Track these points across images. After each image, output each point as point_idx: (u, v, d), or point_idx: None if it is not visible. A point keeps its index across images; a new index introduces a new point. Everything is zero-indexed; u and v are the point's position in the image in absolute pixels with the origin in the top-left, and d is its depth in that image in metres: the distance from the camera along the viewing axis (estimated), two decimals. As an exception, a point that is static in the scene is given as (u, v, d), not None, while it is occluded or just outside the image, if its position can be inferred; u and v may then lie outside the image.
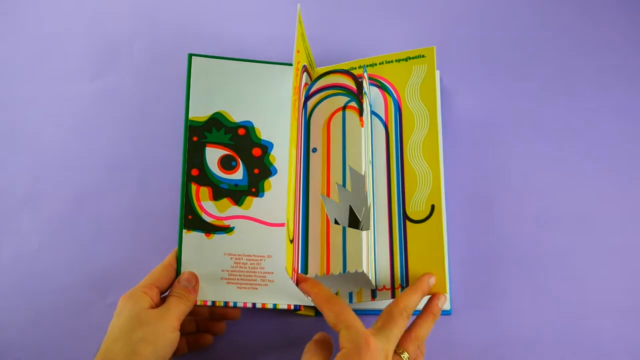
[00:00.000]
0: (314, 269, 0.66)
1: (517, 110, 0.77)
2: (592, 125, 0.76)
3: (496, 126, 0.77)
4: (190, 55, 0.72)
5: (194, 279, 0.65)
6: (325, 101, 0.71)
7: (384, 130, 0.70)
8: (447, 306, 0.69)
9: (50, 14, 0.87)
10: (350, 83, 0.71)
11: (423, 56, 0.71)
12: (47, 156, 0.80)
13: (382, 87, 0.72)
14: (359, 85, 0.70)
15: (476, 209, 0.73)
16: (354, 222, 0.66)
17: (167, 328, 0.59)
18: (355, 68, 0.74)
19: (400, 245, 0.66)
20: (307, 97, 0.72)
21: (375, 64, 0.73)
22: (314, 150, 0.70)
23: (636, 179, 0.73)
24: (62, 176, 0.79)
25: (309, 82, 0.72)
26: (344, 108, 0.70)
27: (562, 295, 0.70)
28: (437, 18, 0.82)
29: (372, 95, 0.72)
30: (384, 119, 0.71)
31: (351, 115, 0.70)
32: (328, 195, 0.68)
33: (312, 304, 0.68)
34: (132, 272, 0.74)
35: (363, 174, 0.67)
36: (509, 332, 0.69)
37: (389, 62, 0.73)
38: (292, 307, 0.69)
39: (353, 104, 0.70)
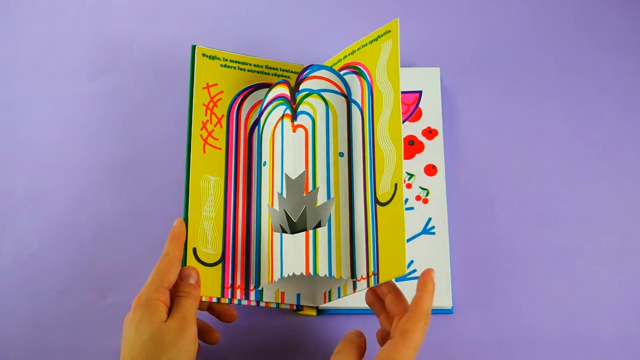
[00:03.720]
0: (264, 279, 0.67)
1: (518, 110, 0.77)
2: (592, 125, 0.76)
3: (497, 126, 0.77)
4: (194, 47, 0.72)
5: (196, 274, 0.65)
6: (271, 114, 0.72)
7: (360, 116, 0.70)
8: (448, 304, 0.69)
9: (50, 14, 0.87)
10: (286, 91, 0.71)
11: (389, 31, 0.69)
12: (47, 156, 0.80)
13: (358, 72, 0.71)
14: (292, 91, 0.71)
15: (477, 209, 0.73)
16: (292, 226, 0.67)
17: (189, 342, 0.59)
18: (341, 59, 0.73)
19: (373, 232, 0.65)
20: (261, 112, 0.73)
21: (355, 51, 0.72)
22: (264, 164, 0.71)
23: (636, 179, 0.74)
24: (62, 176, 0.79)
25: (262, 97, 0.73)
26: (282, 117, 0.71)
27: (562, 295, 0.70)
28: (439, 20, 0.82)
29: (351, 83, 0.71)
30: (360, 104, 0.70)
31: (287, 123, 0.70)
32: (272, 205, 0.69)
33: (319, 305, 0.69)
34: (132, 272, 0.74)
35: (294, 178, 0.68)
36: (509, 331, 0.69)
37: (364, 45, 0.71)
38: (295, 307, 0.69)
39: (288, 111, 0.70)
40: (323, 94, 0.71)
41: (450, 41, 0.81)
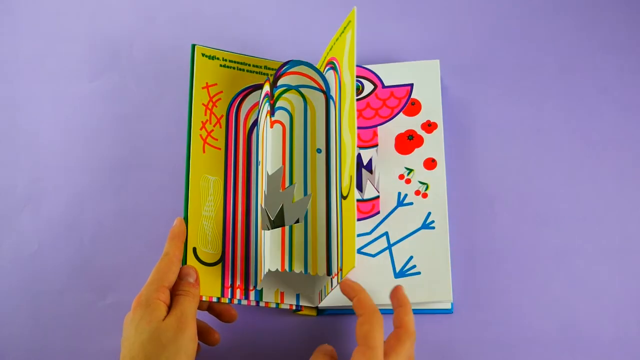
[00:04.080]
0: (259, 279, 0.67)
1: (518, 109, 0.77)
2: (593, 125, 0.76)
3: (497, 126, 0.76)
4: (194, 46, 0.72)
5: (195, 273, 0.65)
6: (262, 113, 0.72)
7: (334, 111, 0.70)
8: (448, 305, 0.69)
9: (50, 14, 0.87)
10: (268, 88, 0.71)
11: (350, 22, 0.69)
12: (47, 156, 0.80)
13: (334, 67, 0.71)
14: (271, 86, 0.71)
15: (477, 209, 0.73)
16: (272, 224, 0.67)
17: (188, 341, 0.59)
18: (325, 57, 0.73)
19: (340, 226, 0.65)
20: (258, 112, 0.73)
21: (332, 47, 0.72)
22: (259, 163, 0.71)
23: (636, 179, 0.74)
24: (62, 176, 0.79)
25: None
26: (267, 115, 0.71)
27: (562, 295, 0.70)
28: (440, 18, 0.82)
29: (329, 79, 0.72)
30: (334, 100, 0.70)
31: (268, 119, 0.70)
32: (262, 204, 0.69)
33: (315, 305, 0.69)
34: (132, 272, 0.74)
35: (271, 173, 0.68)
36: (509, 332, 0.69)
37: (337, 39, 0.71)
38: (294, 307, 0.69)
39: (269, 107, 0.70)
40: (301, 89, 0.71)
41: (450, 37, 0.80)
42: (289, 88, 0.71)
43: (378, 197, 0.72)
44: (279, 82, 0.71)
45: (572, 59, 0.79)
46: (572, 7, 0.81)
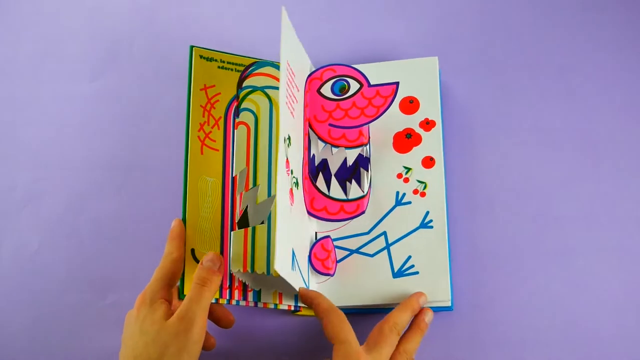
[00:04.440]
0: None
1: (518, 109, 0.77)
2: (592, 124, 0.76)
3: (497, 125, 0.76)
4: (192, 48, 0.72)
5: (219, 260, 0.64)
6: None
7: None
8: (448, 302, 0.69)
9: (50, 14, 0.87)
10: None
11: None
12: (47, 156, 0.80)
13: None
14: (237, 88, 0.71)
15: (477, 208, 0.73)
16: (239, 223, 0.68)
17: (193, 341, 0.59)
18: None
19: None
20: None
21: None
22: None
23: (636, 179, 0.73)
24: (62, 176, 0.79)
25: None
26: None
27: (562, 295, 0.70)
28: (440, 16, 0.82)
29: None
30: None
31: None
32: None
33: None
34: (132, 272, 0.74)
35: (235, 174, 0.68)
36: (509, 331, 0.69)
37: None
38: (292, 308, 0.69)
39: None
40: (267, 91, 0.71)
41: (450, 35, 0.80)
42: (254, 89, 0.71)
43: (363, 196, 0.72)
44: (244, 84, 0.71)
45: (572, 59, 0.78)
46: (573, 6, 0.81)
